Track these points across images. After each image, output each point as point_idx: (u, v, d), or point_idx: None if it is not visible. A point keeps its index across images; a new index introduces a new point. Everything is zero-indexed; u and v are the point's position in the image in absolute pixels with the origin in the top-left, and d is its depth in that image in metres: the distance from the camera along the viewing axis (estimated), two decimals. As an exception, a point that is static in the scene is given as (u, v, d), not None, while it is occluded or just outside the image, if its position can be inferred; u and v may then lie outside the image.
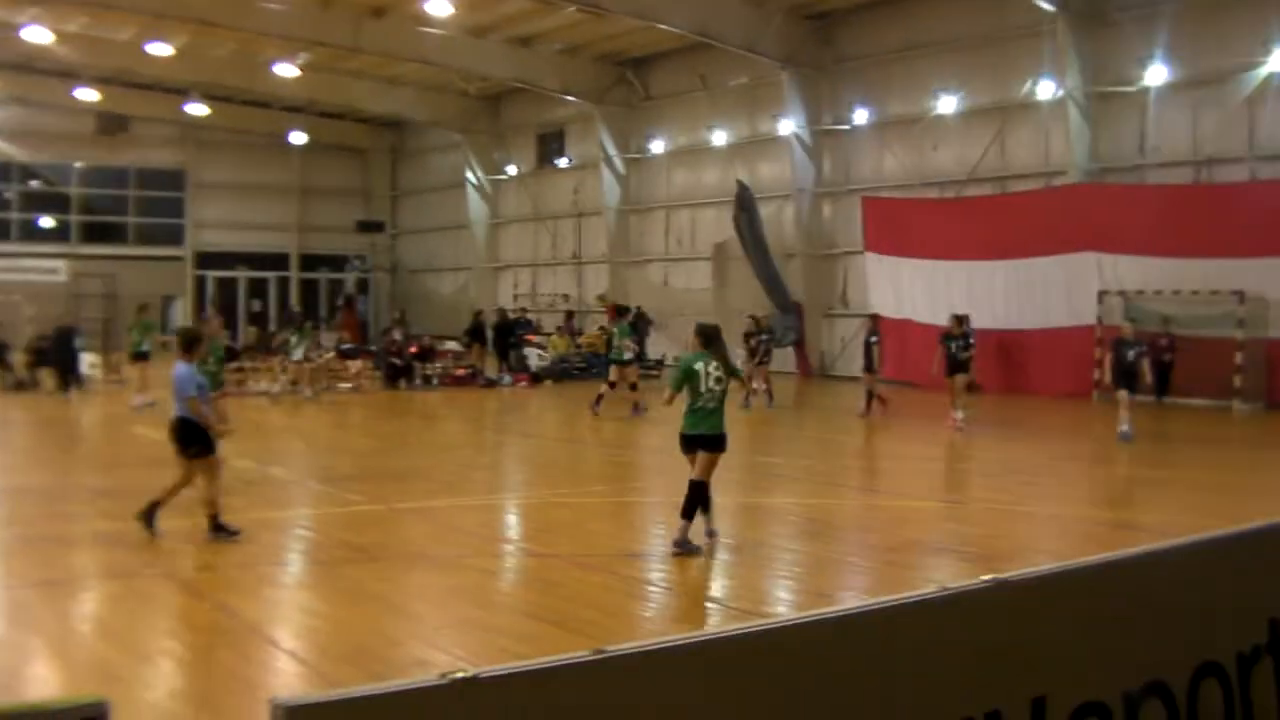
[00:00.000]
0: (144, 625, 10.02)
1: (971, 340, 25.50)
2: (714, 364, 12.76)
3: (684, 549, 12.56)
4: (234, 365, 32.96)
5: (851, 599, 10.75)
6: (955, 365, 25.02)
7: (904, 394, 31.95)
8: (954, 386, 25.03)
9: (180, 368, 13.37)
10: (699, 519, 12.83)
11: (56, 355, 32.67)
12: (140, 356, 29.85)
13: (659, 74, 47.20)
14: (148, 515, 13.25)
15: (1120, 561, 5.48)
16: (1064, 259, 32.10)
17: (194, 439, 13.33)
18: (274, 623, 10.28)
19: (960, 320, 25.74)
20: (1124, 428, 22.32)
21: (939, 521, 15.54)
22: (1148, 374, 23.37)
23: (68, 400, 30.95)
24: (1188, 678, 5.43)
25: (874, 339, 27.49)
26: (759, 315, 32.49)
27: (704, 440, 12.74)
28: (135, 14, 40.70)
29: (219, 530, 13.24)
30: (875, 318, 29.72)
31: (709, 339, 13.01)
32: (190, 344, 13.80)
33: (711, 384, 12.66)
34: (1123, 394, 22.47)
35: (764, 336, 30.76)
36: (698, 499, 12.70)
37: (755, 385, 28.74)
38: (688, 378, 12.70)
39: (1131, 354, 22.45)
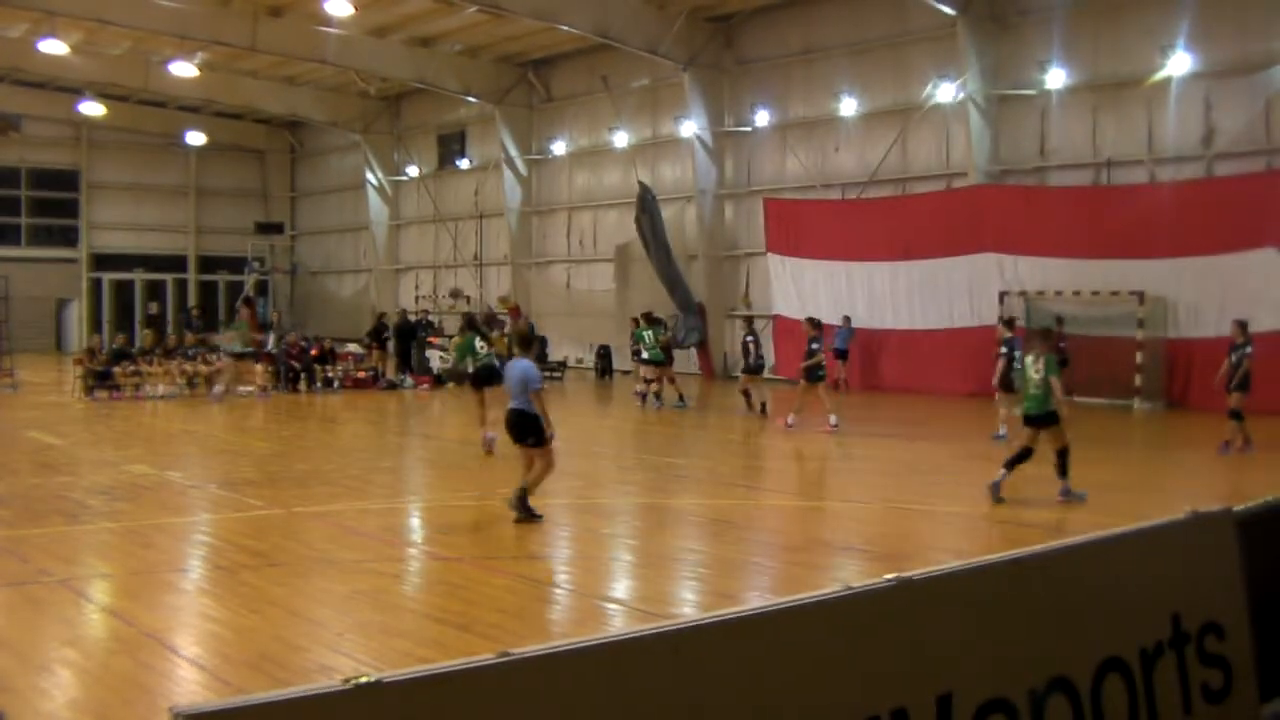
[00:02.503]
0: (40, 634, 9.83)
1: (815, 346, 25.14)
2: (1038, 359, 15.68)
3: (1069, 497, 15.82)
4: (130, 368, 32.60)
5: (755, 599, 10.78)
6: (805, 371, 25.19)
7: (805, 394, 32.11)
8: (818, 391, 25.35)
9: (526, 364, 14.53)
10: (1003, 474, 15.88)
11: None
12: (241, 357, 32.98)
13: (560, 75, 47.16)
14: (523, 508, 14.40)
15: (1023, 559, 5.53)
16: (965, 260, 32.47)
17: (531, 429, 14.42)
18: (174, 630, 10.13)
19: (813, 323, 25.93)
20: (1002, 430, 22.76)
21: (842, 521, 15.64)
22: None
23: None
24: (1091, 673, 5.48)
25: (750, 339, 28.28)
26: (645, 315, 33.00)
27: (1038, 419, 15.79)
28: (27, 10, 40.00)
29: (525, 511, 14.32)
30: (749, 319, 30.82)
31: (1044, 337, 16.17)
32: (528, 342, 15.18)
33: (1032, 374, 15.71)
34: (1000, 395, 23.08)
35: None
36: (1013, 463, 15.81)
37: (648, 386, 30.71)
38: (1019, 371, 16.14)
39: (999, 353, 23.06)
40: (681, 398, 30.60)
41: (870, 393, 34.07)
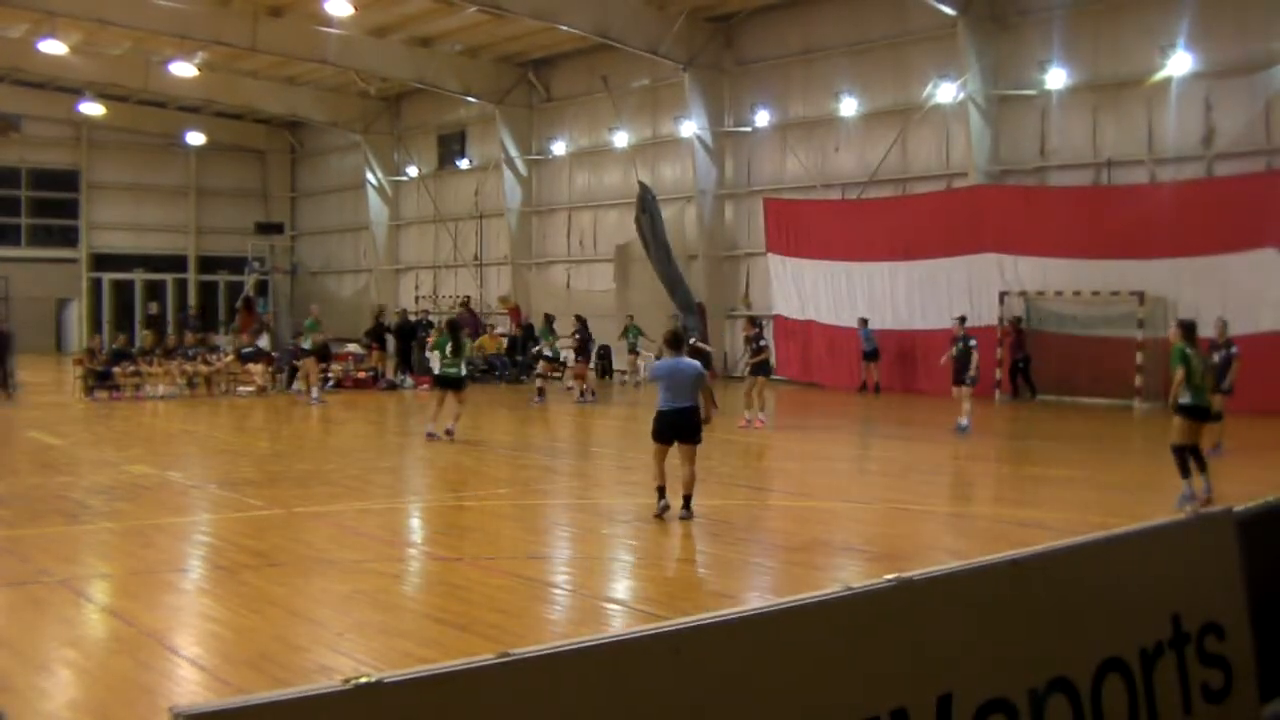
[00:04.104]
0: (40, 634, 9.83)
1: (763, 343, 26.38)
2: (1199, 354, 15.81)
3: (1190, 501, 15.03)
4: (130, 368, 32.61)
5: (755, 599, 10.78)
6: (753, 368, 26.08)
7: (806, 395, 32.15)
8: (747, 388, 26.12)
9: (693, 363, 14.88)
10: (1202, 483, 15.37)
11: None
12: (308, 354, 33.15)
13: (560, 75, 47.20)
14: (661, 500, 14.69)
15: (1023, 560, 5.52)
16: (965, 260, 32.49)
17: (698, 427, 14.74)
18: (174, 630, 10.12)
19: (753, 321, 27.20)
20: (963, 421, 23.61)
21: (842, 521, 15.62)
22: (976, 367, 24.59)
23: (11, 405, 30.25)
24: (1091, 674, 5.48)
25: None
26: (581, 315, 35.40)
27: (1207, 413, 15.87)
28: (27, 10, 40.01)
29: (689, 508, 14.61)
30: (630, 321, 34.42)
31: (1188, 331, 15.83)
32: (679, 342, 15.25)
33: (1199, 367, 15.60)
34: (955, 389, 24.06)
35: (577, 335, 34.09)
36: (1200, 460, 15.49)
37: (572, 383, 33.64)
38: (1183, 361, 15.55)
39: (957, 348, 24.23)
40: (572, 391, 33.61)
41: (868, 393, 34.05)
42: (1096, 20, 31.10)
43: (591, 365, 34.72)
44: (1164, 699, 5.81)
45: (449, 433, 22.88)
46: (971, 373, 24.00)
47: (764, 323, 28.29)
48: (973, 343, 24.15)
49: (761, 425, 25.37)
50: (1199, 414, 15.57)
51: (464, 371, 23.64)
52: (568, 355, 34.74)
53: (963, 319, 25.73)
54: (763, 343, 26.21)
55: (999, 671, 5.15)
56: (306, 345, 33.30)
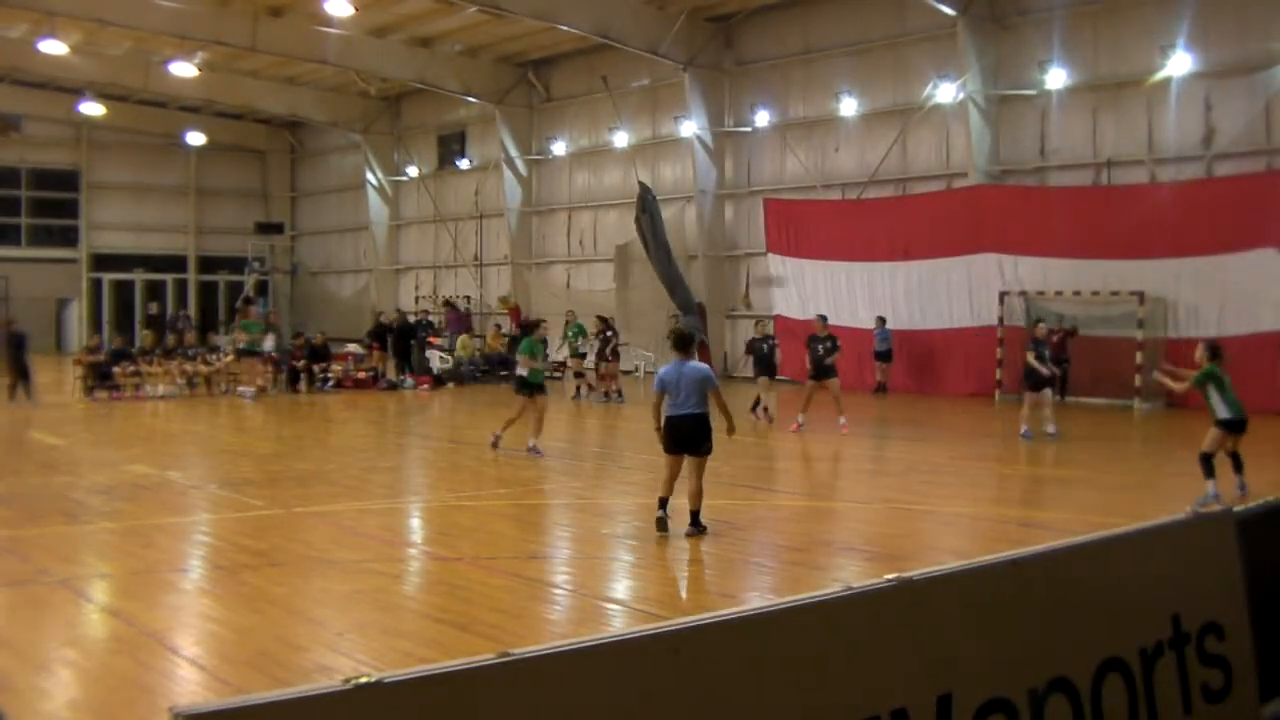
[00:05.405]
0: (40, 634, 9.83)
1: (838, 342, 25.03)
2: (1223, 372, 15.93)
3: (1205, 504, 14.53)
4: (130, 368, 32.60)
5: (756, 599, 10.78)
6: (821, 369, 24.74)
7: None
8: (810, 390, 25.12)
9: (702, 365, 14.20)
10: (1222, 477, 15.44)
11: (12, 359, 31.58)
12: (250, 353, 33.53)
13: (560, 75, 47.18)
14: (660, 511, 13.92)
15: (1024, 559, 5.53)
16: (965, 260, 32.48)
17: (708, 435, 13.88)
18: (174, 630, 10.12)
19: (823, 319, 25.97)
20: (1050, 428, 23.01)
21: (843, 521, 15.63)
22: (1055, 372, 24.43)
23: (32, 405, 30.14)
24: (1091, 674, 5.48)
25: (775, 343, 27.43)
26: (606, 317, 34.91)
27: (1242, 423, 15.84)
28: (27, 10, 40.00)
29: (698, 524, 13.77)
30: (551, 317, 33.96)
31: (1215, 352, 16.11)
32: (688, 343, 14.40)
33: (1228, 381, 15.88)
34: (1046, 393, 23.25)
35: (608, 334, 33.59)
36: (1237, 462, 15.84)
37: (597, 383, 33.42)
38: (1216, 383, 15.81)
39: (1049, 354, 23.74)
40: (609, 393, 33.08)
41: (867, 393, 34.04)
42: (1096, 20, 31.11)
43: (589, 365, 34.35)
44: (1164, 699, 5.81)
45: (532, 449, 20.93)
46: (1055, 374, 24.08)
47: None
48: (1046, 351, 23.84)
49: (846, 429, 24.41)
50: (1238, 427, 15.82)
51: (525, 374, 21.45)
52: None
53: (1040, 320, 25.34)
54: (831, 344, 24.71)
55: (999, 671, 5.16)
56: (242, 345, 33.65)
